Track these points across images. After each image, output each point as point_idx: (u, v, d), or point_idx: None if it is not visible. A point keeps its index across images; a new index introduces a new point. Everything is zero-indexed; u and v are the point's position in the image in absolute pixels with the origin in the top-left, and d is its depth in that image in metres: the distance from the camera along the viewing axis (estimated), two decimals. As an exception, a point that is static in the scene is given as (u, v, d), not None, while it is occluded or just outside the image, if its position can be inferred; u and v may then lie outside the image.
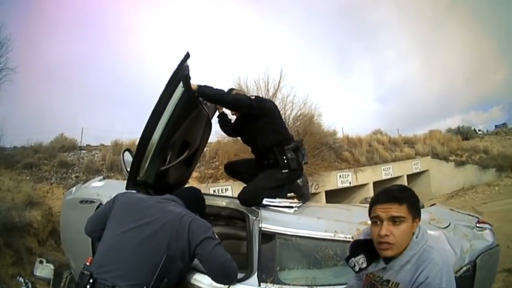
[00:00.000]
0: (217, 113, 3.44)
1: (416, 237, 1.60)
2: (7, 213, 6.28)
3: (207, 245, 2.16)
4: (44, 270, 5.01)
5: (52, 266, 4.69)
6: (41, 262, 4.62)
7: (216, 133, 5.04)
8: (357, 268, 1.73)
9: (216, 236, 2.25)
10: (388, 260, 1.61)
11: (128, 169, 2.86)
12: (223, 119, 3.47)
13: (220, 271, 2.22)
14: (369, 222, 1.71)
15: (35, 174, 10.52)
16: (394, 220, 1.56)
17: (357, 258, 1.73)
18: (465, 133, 21.99)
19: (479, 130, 25.40)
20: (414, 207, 1.61)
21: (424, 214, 2.69)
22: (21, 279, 2.86)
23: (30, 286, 2.80)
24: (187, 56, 2.66)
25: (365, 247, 1.72)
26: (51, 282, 4.43)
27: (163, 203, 2.34)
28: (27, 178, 10.12)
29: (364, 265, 1.70)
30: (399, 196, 1.59)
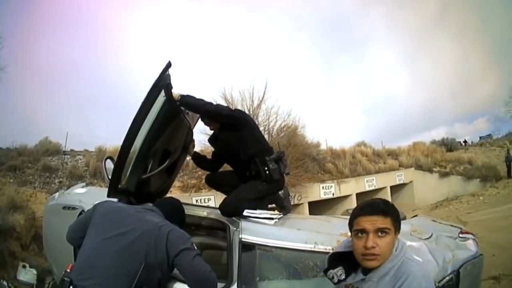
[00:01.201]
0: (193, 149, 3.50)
1: (396, 250, 1.62)
2: (-10, 216, 6.22)
3: (186, 256, 2.15)
4: (27, 274, 4.92)
5: (35, 271, 4.60)
6: (24, 266, 4.54)
7: (199, 142, 5.06)
8: (335, 280, 1.74)
9: (195, 247, 2.24)
10: (366, 271, 1.63)
11: (110, 177, 2.84)
12: (196, 158, 3.52)
13: (199, 282, 2.20)
14: (349, 233, 1.73)
15: (18, 177, 10.51)
16: (380, 231, 1.58)
17: (335, 270, 1.75)
18: (449, 145, 22.37)
19: (464, 142, 25.84)
20: (397, 220, 1.64)
21: (406, 226, 2.72)
22: (5, 283, 2.81)
23: (13, 290, 2.77)
24: (169, 65, 2.66)
25: (343, 259, 1.74)
26: (34, 287, 4.36)
27: (142, 212, 2.33)
28: (11, 180, 10.11)
29: (343, 276, 1.72)
30: (384, 209, 1.62)
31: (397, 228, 1.64)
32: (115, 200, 2.69)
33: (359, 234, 1.62)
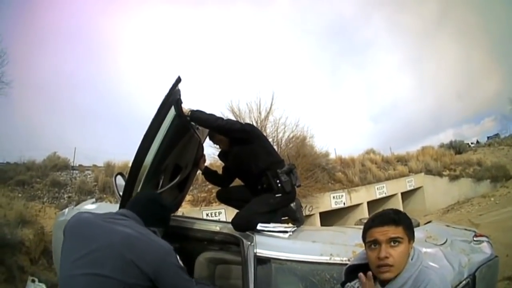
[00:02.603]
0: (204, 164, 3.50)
1: (412, 259, 1.61)
2: (-1, 229, 6.24)
3: (166, 271, 1.92)
4: (36, 289, 4.94)
5: (44, 286, 4.61)
6: (33, 281, 4.55)
7: (208, 156, 5.04)
8: None
9: (178, 259, 2.01)
10: (384, 283, 1.61)
11: (121, 193, 2.83)
12: (207, 173, 3.52)
13: None
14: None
15: (27, 192, 10.53)
16: (392, 241, 1.58)
17: (352, 283, 1.74)
18: (457, 147, 22.16)
19: (471, 143, 25.63)
20: (409, 228, 1.63)
21: (420, 232, 2.69)
22: None
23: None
24: (179, 80, 2.67)
25: (360, 271, 1.70)
26: (43, 301, 4.36)
27: (112, 222, 2.02)
28: (19, 195, 10.12)
29: None
30: (395, 218, 1.62)
31: (411, 237, 1.63)
32: (83, 211, 2.39)
33: (372, 246, 1.63)
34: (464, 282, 2.35)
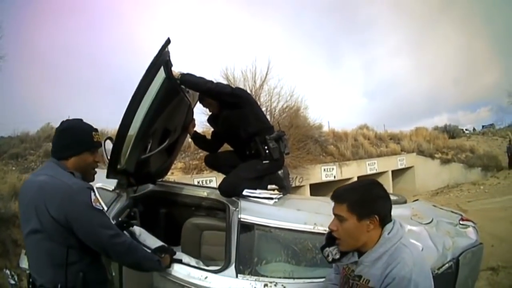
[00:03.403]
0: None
1: (388, 233, 1.59)
2: (-8, 204, 6.21)
3: (75, 213, 1.75)
4: (29, 261, 4.97)
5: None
6: (26, 253, 4.57)
7: (201, 123, 5.00)
8: (330, 258, 1.74)
9: (94, 199, 1.82)
10: (360, 254, 1.63)
11: (109, 158, 2.81)
12: (196, 138, 3.47)
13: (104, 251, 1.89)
14: None
15: (21, 165, 10.53)
16: (337, 217, 1.63)
17: (331, 248, 1.74)
18: (451, 132, 22.34)
19: (466, 130, 25.78)
20: (356, 205, 1.60)
21: (406, 210, 2.73)
22: (8, 271, 2.82)
23: (16, 279, 2.75)
24: (168, 41, 2.60)
25: None
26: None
27: (35, 175, 1.93)
28: (13, 168, 10.10)
29: (338, 256, 1.71)
30: (339, 196, 1.66)
31: (361, 214, 1.58)
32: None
33: None
34: (447, 265, 2.32)
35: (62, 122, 2.05)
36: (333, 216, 1.68)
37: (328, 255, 1.74)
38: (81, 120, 2.10)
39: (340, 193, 1.65)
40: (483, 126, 30.06)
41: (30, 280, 1.90)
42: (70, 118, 2.12)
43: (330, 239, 1.77)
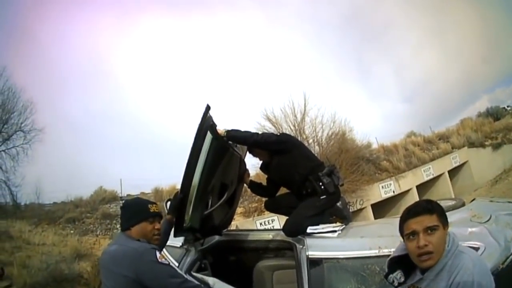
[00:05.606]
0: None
1: (448, 245, 1.68)
2: (55, 266, 6.59)
3: (144, 269, 2.00)
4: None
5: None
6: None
7: (253, 166, 5.18)
8: (396, 283, 1.82)
9: (159, 255, 2.06)
10: (424, 270, 1.70)
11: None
12: (253, 186, 3.62)
13: None
14: None
15: (79, 228, 10.89)
16: (429, 230, 1.66)
17: (394, 274, 1.83)
18: (495, 113, 21.28)
19: (507, 107, 24.48)
20: (442, 215, 1.71)
21: (465, 212, 2.73)
22: None
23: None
24: (208, 108, 2.85)
25: (401, 262, 1.82)
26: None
27: (110, 245, 2.27)
28: (72, 232, 10.53)
29: (402, 279, 1.79)
30: (428, 207, 1.71)
31: (445, 223, 1.71)
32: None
33: (411, 237, 1.71)
34: (511, 257, 2.24)
35: (124, 201, 2.42)
36: (395, 237, 1.77)
37: (393, 281, 1.83)
38: (138, 197, 2.50)
39: (426, 206, 1.72)
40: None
41: None
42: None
43: (392, 265, 1.88)
